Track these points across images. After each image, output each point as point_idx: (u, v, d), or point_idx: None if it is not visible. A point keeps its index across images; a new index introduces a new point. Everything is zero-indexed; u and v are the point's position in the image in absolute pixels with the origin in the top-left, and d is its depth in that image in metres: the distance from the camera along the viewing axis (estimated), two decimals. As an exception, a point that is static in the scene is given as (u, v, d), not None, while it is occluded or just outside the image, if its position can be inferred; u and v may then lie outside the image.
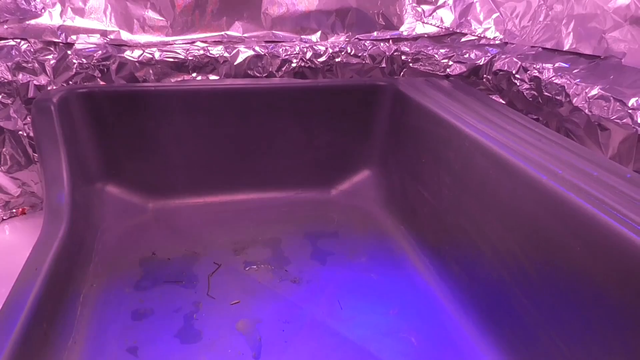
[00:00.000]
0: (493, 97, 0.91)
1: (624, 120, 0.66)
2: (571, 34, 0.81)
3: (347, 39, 0.96)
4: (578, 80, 0.74)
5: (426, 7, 0.98)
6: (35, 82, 0.82)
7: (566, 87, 0.75)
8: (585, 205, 0.46)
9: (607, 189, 0.49)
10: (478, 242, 0.59)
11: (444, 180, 0.69)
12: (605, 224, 0.43)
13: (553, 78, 0.78)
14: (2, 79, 0.79)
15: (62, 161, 0.69)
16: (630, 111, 0.65)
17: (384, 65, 0.95)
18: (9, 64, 0.79)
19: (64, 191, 0.66)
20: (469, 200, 0.62)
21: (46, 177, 0.67)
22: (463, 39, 0.96)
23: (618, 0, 0.74)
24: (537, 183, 0.51)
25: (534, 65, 0.81)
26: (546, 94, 0.79)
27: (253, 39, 0.94)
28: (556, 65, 0.79)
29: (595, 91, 0.71)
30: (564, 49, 0.82)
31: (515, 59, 0.85)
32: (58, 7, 0.85)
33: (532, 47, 0.87)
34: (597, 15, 0.77)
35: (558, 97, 0.76)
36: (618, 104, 0.67)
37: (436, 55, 0.93)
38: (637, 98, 0.65)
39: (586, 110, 0.71)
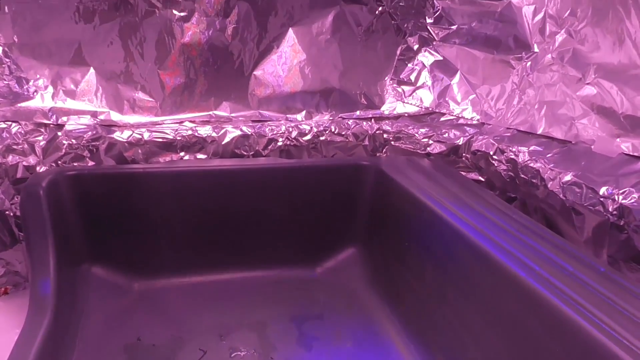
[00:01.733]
0: (472, 175, 0.94)
1: (597, 208, 0.69)
2: (543, 118, 0.85)
3: (331, 118, 0.99)
4: (552, 165, 0.78)
5: (406, 88, 1.03)
6: (24, 163, 0.83)
7: (541, 172, 0.78)
8: (561, 306, 0.47)
9: (583, 286, 0.51)
10: (461, 333, 0.60)
11: (427, 265, 0.71)
12: (581, 327, 0.45)
13: (529, 161, 0.81)
14: (-8, 162, 0.80)
15: (49, 248, 0.69)
16: (601, 199, 0.68)
17: (366, 143, 0.98)
18: (0, 146, 0.81)
19: (49, 279, 0.66)
20: (451, 289, 0.64)
21: (32, 265, 0.67)
22: (442, 119, 1.00)
23: (585, 89, 0.79)
24: (516, 279, 0.53)
25: (510, 148, 0.85)
26: (522, 176, 0.82)
27: (240, 118, 0.97)
28: (531, 148, 0.83)
29: (568, 177, 0.74)
30: (538, 132, 0.86)
31: (492, 141, 0.89)
32: (50, 89, 0.88)
33: (507, 128, 0.91)
34: (566, 103, 0.82)
35: (534, 180, 0.79)
36: (590, 191, 0.70)
37: (417, 135, 0.97)
38: (607, 187, 0.68)
39: (561, 195, 0.74)
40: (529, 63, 0.88)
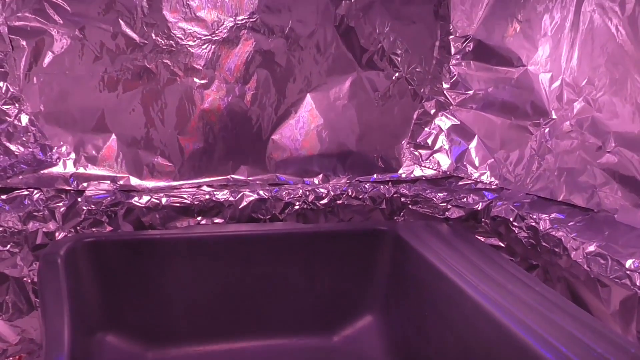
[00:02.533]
0: (492, 240, 0.92)
1: (623, 281, 0.67)
2: (564, 185, 0.84)
3: (347, 181, 0.99)
4: (575, 234, 0.76)
5: (423, 152, 1.03)
6: (44, 229, 0.84)
7: (563, 241, 0.76)
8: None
9: (613, 372, 0.49)
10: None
11: (448, 338, 0.69)
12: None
13: (550, 230, 0.79)
14: (13, 229, 0.81)
15: (64, 317, 0.68)
16: (628, 272, 0.66)
17: (384, 206, 0.97)
18: (21, 214, 0.82)
19: (63, 349, 0.66)
20: (473, 367, 0.62)
21: (47, 335, 0.67)
22: (460, 183, 0.99)
23: (606, 157, 0.78)
24: (541, 362, 0.51)
25: (531, 215, 0.84)
26: (544, 244, 0.80)
27: (257, 182, 0.97)
28: (552, 216, 0.82)
29: (592, 247, 0.72)
30: (558, 199, 0.85)
31: (511, 207, 0.88)
32: (72, 155, 0.90)
33: (527, 194, 0.90)
34: (586, 170, 0.81)
35: (556, 249, 0.78)
36: (615, 263, 0.68)
37: (435, 199, 0.96)
38: (633, 260, 0.66)
39: (585, 266, 0.72)
40: (547, 129, 0.87)
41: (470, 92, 1.00)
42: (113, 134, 0.91)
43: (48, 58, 0.88)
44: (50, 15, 0.87)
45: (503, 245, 0.92)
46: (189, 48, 0.92)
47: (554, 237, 0.78)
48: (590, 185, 0.80)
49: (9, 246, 0.81)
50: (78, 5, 0.87)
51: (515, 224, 0.86)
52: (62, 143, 0.89)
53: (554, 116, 0.87)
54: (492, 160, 0.97)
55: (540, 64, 0.90)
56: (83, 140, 0.90)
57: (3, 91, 0.86)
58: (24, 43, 0.87)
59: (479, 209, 0.93)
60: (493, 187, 0.96)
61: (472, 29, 1.00)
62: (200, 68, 0.93)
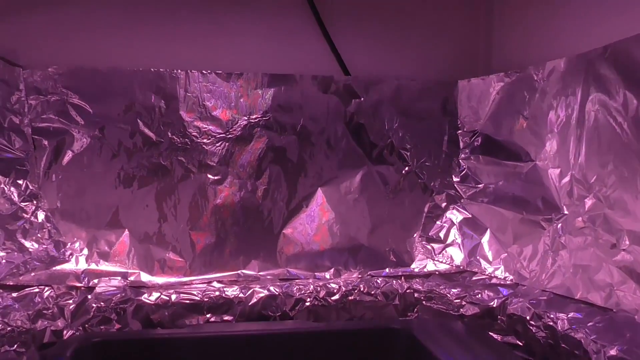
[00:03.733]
0: (509, 338, 0.89)
1: (649, 389, 0.63)
2: (580, 283, 0.82)
3: (359, 276, 0.98)
4: (594, 336, 0.73)
5: (436, 245, 1.02)
6: (52, 327, 0.83)
7: (583, 343, 0.73)
8: None
9: None
10: None
11: None
12: None
13: (569, 331, 0.77)
14: (21, 327, 0.80)
15: None
16: (653, 380, 0.63)
17: (397, 302, 0.95)
18: (30, 312, 0.81)
19: None
20: None
21: None
22: (474, 277, 0.97)
23: (621, 255, 0.77)
24: None
25: (548, 314, 0.81)
26: (563, 345, 0.77)
27: (268, 277, 0.97)
28: (570, 315, 0.79)
29: (614, 351, 0.69)
30: (576, 297, 0.82)
31: (528, 305, 0.85)
32: (85, 251, 0.90)
33: (543, 291, 0.87)
34: (602, 268, 0.79)
35: (576, 352, 0.74)
36: (639, 369, 0.65)
37: (449, 295, 0.94)
38: (658, 367, 0.63)
39: (608, 371, 0.69)
40: (559, 225, 0.87)
41: (481, 186, 1.01)
42: (126, 230, 0.92)
43: (68, 156, 0.91)
44: (73, 117, 0.91)
45: (521, 344, 0.88)
46: (204, 146, 0.95)
47: (573, 338, 0.75)
48: (607, 283, 0.78)
49: (15, 346, 0.79)
50: (100, 107, 0.92)
51: (532, 322, 0.84)
52: (75, 239, 0.90)
53: (566, 212, 0.86)
54: (506, 254, 0.96)
55: (548, 159, 0.91)
56: (96, 236, 0.91)
57: (22, 188, 0.89)
58: (45, 142, 0.90)
59: (494, 306, 0.90)
60: (508, 282, 0.94)
61: (480, 124, 1.02)
62: (214, 164, 0.96)
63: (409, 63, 1.08)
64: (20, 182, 0.88)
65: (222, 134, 0.96)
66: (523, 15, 1.05)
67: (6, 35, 0.90)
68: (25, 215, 0.88)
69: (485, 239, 0.99)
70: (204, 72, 0.95)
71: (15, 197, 0.87)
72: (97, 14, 0.94)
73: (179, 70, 0.94)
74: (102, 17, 0.94)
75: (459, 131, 1.04)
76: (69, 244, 0.90)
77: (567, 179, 0.86)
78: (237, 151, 0.97)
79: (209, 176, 0.96)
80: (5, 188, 0.87)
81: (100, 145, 0.92)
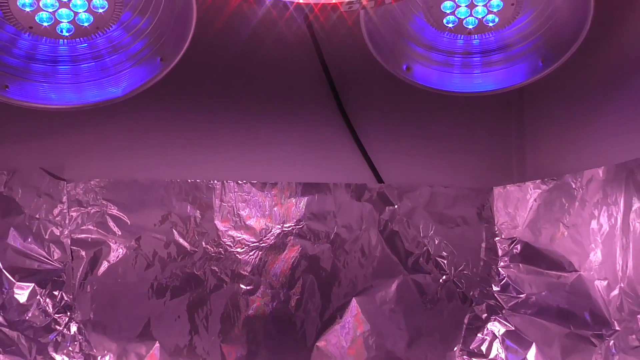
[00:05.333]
0: None
1: None
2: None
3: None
4: None
5: (478, 361, 0.96)
6: None
7: None
8: None
9: None
10: None
11: None
12: None
13: None
14: None
15: None
16: None
17: None
18: None
19: None
20: None
21: None
22: (521, 397, 0.91)
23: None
24: None
25: None
26: None
27: (301, 394, 0.92)
28: None
29: None
30: None
31: None
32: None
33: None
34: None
35: None
36: None
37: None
38: None
39: None
40: (612, 342, 0.81)
41: (522, 296, 0.96)
42: (157, 342, 0.91)
43: (103, 267, 0.92)
44: (111, 228, 0.92)
45: None
46: (237, 255, 0.95)
47: None
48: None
49: None
50: (137, 218, 0.93)
51: None
52: (106, 352, 0.89)
53: (617, 327, 0.81)
54: (555, 372, 0.89)
55: (594, 269, 0.87)
56: (127, 349, 0.89)
57: (58, 300, 0.89)
58: (83, 253, 0.91)
59: None
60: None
61: (518, 231, 1.00)
62: (247, 274, 0.95)
63: (442, 170, 1.08)
64: (56, 293, 0.89)
65: (255, 242, 0.96)
66: (555, 122, 1.06)
67: (53, 150, 0.94)
68: (58, 328, 0.88)
69: (531, 354, 0.93)
70: (239, 182, 0.97)
71: (50, 309, 0.87)
72: (137, 129, 0.98)
73: (215, 181, 0.96)
74: (142, 132, 0.99)
75: (497, 238, 1.02)
76: (99, 357, 0.88)
77: (615, 292, 0.82)
78: (270, 260, 0.96)
79: (242, 286, 0.95)
80: (41, 299, 0.87)
81: (135, 255, 0.92)
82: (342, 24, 0.83)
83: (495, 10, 0.83)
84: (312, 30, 0.96)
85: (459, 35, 0.89)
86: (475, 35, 0.89)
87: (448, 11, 0.84)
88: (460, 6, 0.83)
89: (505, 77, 0.92)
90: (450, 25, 0.86)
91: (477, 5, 0.82)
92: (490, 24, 0.85)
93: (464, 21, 0.85)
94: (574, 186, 0.91)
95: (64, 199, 0.91)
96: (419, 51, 0.92)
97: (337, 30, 0.87)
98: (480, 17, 0.84)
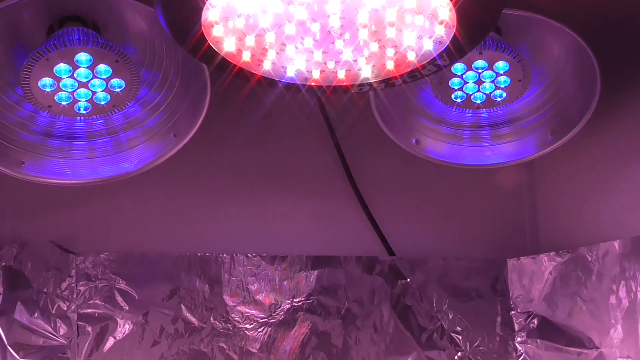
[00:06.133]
0: None
1: None
2: None
3: None
4: None
5: None
6: None
7: None
8: None
9: None
10: None
11: None
12: None
13: None
14: None
15: None
16: None
17: None
18: None
19: None
20: None
21: None
22: None
23: None
24: None
25: None
26: None
27: None
28: None
29: None
30: None
31: None
32: None
33: None
34: None
35: None
36: None
37: None
38: None
39: None
40: None
41: (544, 373, 0.93)
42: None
43: (109, 343, 0.89)
44: (118, 302, 0.91)
45: None
46: (246, 331, 0.93)
47: None
48: None
49: None
50: (145, 292, 0.92)
51: None
52: None
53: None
54: None
55: (615, 346, 0.84)
56: None
57: (60, 378, 0.86)
58: (89, 329, 0.89)
59: None
60: None
61: (534, 305, 0.97)
62: (255, 351, 0.92)
63: (453, 241, 1.07)
64: (59, 371, 0.86)
65: (264, 318, 0.94)
66: (567, 192, 1.05)
67: (65, 223, 0.94)
68: (59, 408, 0.85)
69: None
70: (249, 255, 0.96)
71: (53, 388, 0.85)
72: (147, 201, 0.98)
73: (225, 255, 0.95)
74: (151, 205, 0.99)
75: (513, 312, 0.99)
76: None
77: (640, 372, 0.78)
78: (280, 337, 0.93)
79: (250, 364, 0.92)
80: (45, 379, 0.85)
81: (142, 331, 0.90)
82: (352, 101, 0.85)
83: (502, 86, 0.84)
84: (323, 105, 0.98)
85: (468, 110, 0.90)
86: (484, 109, 0.90)
87: (456, 87, 0.85)
88: (468, 82, 0.84)
89: (515, 150, 0.92)
90: (458, 100, 0.87)
91: (484, 82, 0.84)
92: (498, 99, 0.86)
93: (472, 96, 0.86)
94: (589, 259, 0.89)
95: (73, 272, 0.91)
96: (428, 124, 0.94)
97: (347, 106, 0.89)
98: (488, 92, 0.86)
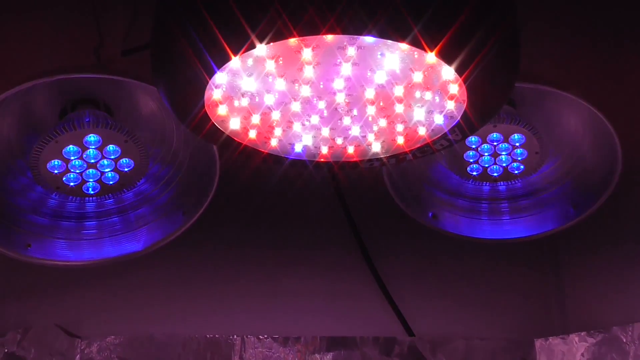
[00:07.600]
0: None
1: None
2: None
3: None
4: None
5: None
6: None
7: None
8: None
9: None
10: None
11: None
12: None
13: None
14: None
15: None
16: None
17: None
18: None
19: None
20: None
21: None
22: None
23: None
24: None
25: None
26: None
27: None
28: None
29: None
30: None
31: None
32: None
33: None
34: None
35: None
36: None
37: None
38: None
39: None
40: None
41: None
42: None
43: None
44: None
45: None
46: (256, 421, 0.87)
47: None
48: None
49: None
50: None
51: None
52: None
53: None
54: None
55: None
56: None
57: None
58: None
59: None
60: None
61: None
62: None
63: (476, 320, 1.01)
64: None
65: None
66: (594, 267, 1.00)
67: (70, 306, 0.92)
68: None
69: None
70: (260, 337, 0.91)
71: None
72: (154, 283, 0.96)
73: (235, 336, 0.91)
74: (159, 286, 0.96)
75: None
76: None
77: None
78: None
79: None
80: None
81: None
82: (364, 174, 0.83)
83: (519, 158, 0.82)
84: (335, 179, 0.96)
85: (485, 182, 0.87)
86: (501, 182, 0.87)
87: (471, 160, 0.83)
88: (484, 155, 0.82)
89: (536, 223, 0.88)
90: (474, 173, 0.85)
91: (500, 154, 0.81)
92: (516, 172, 0.83)
93: (489, 169, 0.84)
94: (624, 340, 0.83)
95: (77, 358, 0.87)
96: (444, 198, 0.91)
97: (360, 180, 0.86)
98: (504, 165, 0.83)
